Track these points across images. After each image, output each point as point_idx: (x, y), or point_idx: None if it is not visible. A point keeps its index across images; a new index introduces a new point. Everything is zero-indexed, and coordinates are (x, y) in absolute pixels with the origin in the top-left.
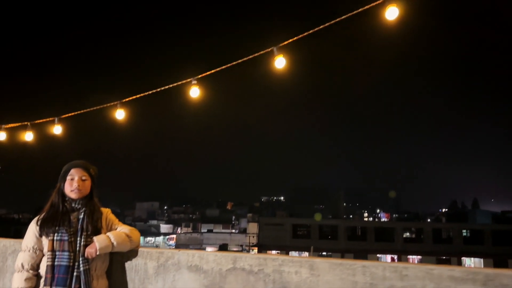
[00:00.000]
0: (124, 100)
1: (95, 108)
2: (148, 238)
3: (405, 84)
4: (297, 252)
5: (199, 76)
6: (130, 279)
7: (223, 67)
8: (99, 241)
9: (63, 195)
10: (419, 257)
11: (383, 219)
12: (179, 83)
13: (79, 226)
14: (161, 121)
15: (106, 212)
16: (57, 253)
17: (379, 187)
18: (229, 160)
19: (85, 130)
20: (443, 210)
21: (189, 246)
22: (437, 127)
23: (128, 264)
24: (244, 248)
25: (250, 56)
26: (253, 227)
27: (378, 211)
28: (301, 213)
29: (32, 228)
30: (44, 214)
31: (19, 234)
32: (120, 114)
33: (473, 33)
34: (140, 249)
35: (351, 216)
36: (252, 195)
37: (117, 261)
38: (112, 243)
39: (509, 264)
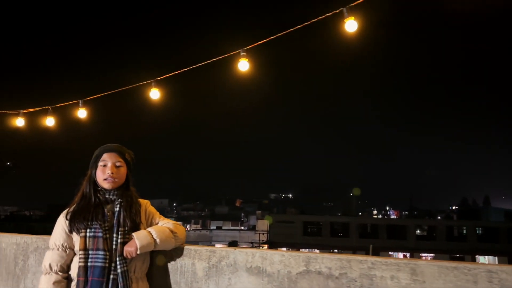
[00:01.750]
0: (159, 78)
1: (126, 87)
2: None
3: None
4: (307, 249)
5: (246, 47)
6: (174, 282)
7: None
8: (139, 239)
9: (95, 184)
10: (432, 255)
11: (392, 217)
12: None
13: (114, 221)
14: (173, 118)
15: (145, 204)
16: (90, 252)
17: (388, 184)
18: (238, 157)
19: (111, 114)
20: (454, 207)
21: (198, 243)
22: (447, 126)
23: (172, 265)
24: (254, 246)
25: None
26: (262, 224)
27: (387, 208)
28: (310, 210)
29: (61, 223)
30: (74, 206)
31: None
32: (154, 94)
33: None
34: (186, 247)
35: (360, 213)
36: (260, 193)
37: (159, 261)
38: (155, 240)
39: None
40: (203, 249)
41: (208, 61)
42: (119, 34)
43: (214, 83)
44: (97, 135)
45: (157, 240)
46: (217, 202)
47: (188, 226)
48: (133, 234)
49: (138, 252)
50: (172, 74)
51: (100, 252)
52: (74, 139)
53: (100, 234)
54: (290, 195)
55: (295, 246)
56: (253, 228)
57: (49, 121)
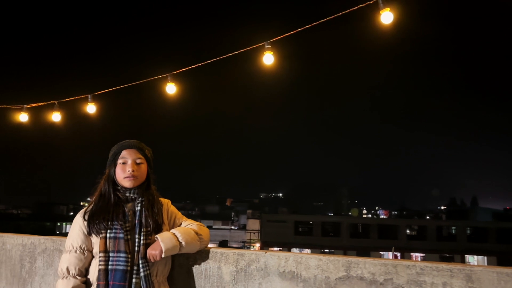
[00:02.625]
0: (174, 72)
1: (139, 82)
2: None
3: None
4: (297, 249)
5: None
6: (199, 287)
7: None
8: (164, 241)
9: (114, 182)
10: (423, 254)
11: (381, 216)
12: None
13: (136, 221)
14: (157, 116)
15: (167, 203)
16: (111, 254)
17: (377, 184)
18: (228, 157)
19: (121, 110)
20: (442, 207)
21: None
22: (436, 128)
23: (196, 269)
24: (245, 245)
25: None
26: (253, 224)
27: (377, 208)
28: (301, 209)
29: (79, 224)
30: (92, 206)
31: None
32: (171, 88)
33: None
34: (212, 250)
35: (349, 213)
36: (250, 192)
37: (180, 264)
38: (180, 243)
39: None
40: (230, 252)
41: (218, 58)
42: (133, 28)
43: (223, 80)
44: (103, 132)
45: (183, 243)
46: (207, 201)
47: None
48: (157, 236)
49: (163, 256)
50: (189, 68)
51: (122, 255)
52: (77, 136)
53: (121, 235)
54: (281, 195)
55: (286, 245)
56: (243, 228)
57: (55, 117)
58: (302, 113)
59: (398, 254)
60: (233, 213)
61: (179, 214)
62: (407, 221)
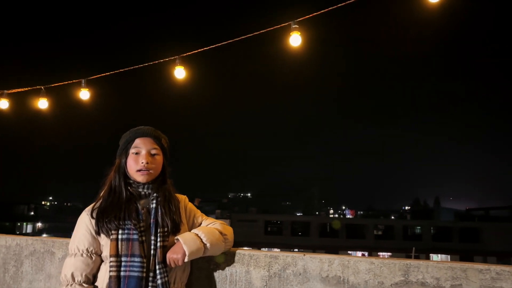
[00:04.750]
0: (182, 55)
1: (144, 64)
2: None
3: (371, 85)
4: (267, 248)
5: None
6: None
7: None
8: (187, 243)
9: (125, 175)
10: (389, 253)
11: (348, 216)
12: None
13: (151, 220)
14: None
15: (184, 199)
16: (123, 258)
17: (343, 184)
18: (194, 156)
19: (118, 97)
20: (407, 207)
21: None
22: (398, 128)
23: (219, 273)
24: None
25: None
26: None
27: (343, 208)
28: (270, 209)
29: (85, 223)
30: (101, 202)
31: None
32: (180, 73)
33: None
34: (238, 252)
35: (317, 213)
36: (218, 192)
37: (200, 268)
38: (204, 245)
39: (474, 260)
40: (261, 254)
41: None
42: (137, 2)
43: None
44: (95, 122)
45: (207, 245)
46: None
47: None
48: (179, 237)
49: (186, 260)
50: (200, 50)
51: (136, 259)
52: (62, 127)
53: (135, 237)
54: (249, 195)
55: (256, 245)
56: None
57: (42, 104)
58: (273, 114)
59: (366, 254)
60: None
61: (198, 212)
62: (375, 221)
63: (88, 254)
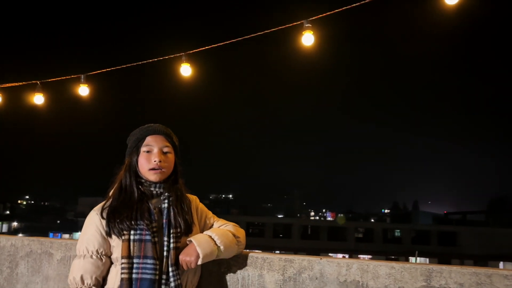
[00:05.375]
0: (189, 52)
1: (147, 61)
2: None
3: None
4: (248, 250)
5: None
6: None
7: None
8: (201, 245)
9: (136, 174)
10: (370, 256)
11: (328, 218)
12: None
13: (164, 220)
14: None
15: (195, 200)
16: (135, 260)
17: (325, 186)
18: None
19: (116, 94)
20: (386, 210)
21: None
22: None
23: (230, 277)
24: None
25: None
26: None
27: (324, 210)
28: (251, 211)
29: (95, 223)
30: (111, 201)
31: None
32: (186, 70)
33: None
34: (251, 255)
35: (298, 215)
36: (200, 193)
37: (210, 272)
38: (218, 247)
39: (452, 264)
40: (275, 257)
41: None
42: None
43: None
44: (92, 120)
45: (221, 247)
46: None
47: None
48: (192, 238)
49: (199, 263)
50: (207, 47)
51: (149, 261)
52: (56, 123)
53: (148, 237)
54: (231, 196)
55: None
56: None
57: (38, 99)
58: (254, 115)
59: (347, 256)
60: None
61: (210, 213)
62: (356, 224)
63: (98, 256)
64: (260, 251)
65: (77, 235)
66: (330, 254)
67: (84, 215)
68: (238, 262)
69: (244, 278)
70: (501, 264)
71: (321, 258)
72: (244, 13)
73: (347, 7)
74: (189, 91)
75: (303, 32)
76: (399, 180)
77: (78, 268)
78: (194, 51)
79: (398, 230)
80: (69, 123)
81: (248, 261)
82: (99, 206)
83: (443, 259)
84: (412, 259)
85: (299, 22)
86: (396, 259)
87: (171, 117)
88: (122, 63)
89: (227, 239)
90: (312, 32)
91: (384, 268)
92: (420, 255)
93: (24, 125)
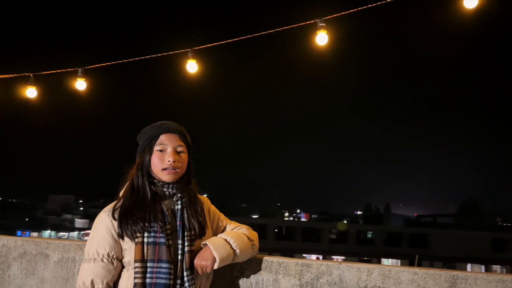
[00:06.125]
0: (194, 48)
1: (150, 56)
2: (61, 233)
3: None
4: None
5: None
6: None
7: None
8: (217, 249)
9: (148, 174)
10: (343, 257)
11: (302, 219)
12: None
13: (177, 222)
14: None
15: (207, 201)
16: (149, 264)
17: (299, 187)
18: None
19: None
20: (359, 212)
21: None
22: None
23: (243, 282)
24: None
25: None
26: None
27: (298, 211)
28: (225, 211)
29: (106, 224)
30: (122, 202)
31: None
32: (192, 67)
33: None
34: (266, 259)
35: (276, 216)
36: None
37: (222, 275)
38: (234, 251)
39: (422, 265)
40: (291, 261)
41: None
42: None
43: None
44: (90, 116)
45: (237, 251)
46: None
47: None
48: (207, 242)
49: (216, 267)
50: (215, 44)
51: (164, 265)
52: (49, 119)
53: (162, 240)
54: (205, 196)
55: None
56: None
57: (30, 92)
58: (230, 115)
59: (321, 257)
60: None
61: (222, 215)
62: (330, 225)
63: (109, 259)
64: (274, 256)
65: (46, 233)
66: (304, 255)
67: (54, 213)
68: (251, 266)
69: (258, 283)
70: (468, 266)
71: (340, 263)
72: (256, 10)
73: (362, 7)
74: (194, 89)
75: (317, 32)
76: (372, 181)
77: (88, 272)
78: (201, 47)
79: (371, 232)
80: (56, 119)
81: (263, 265)
82: (110, 206)
83: (414, 261)
84: (384, 260)
85: (312, 21)
86: (369, 261)
87: (173, 114)
88: (124, 58)
89: (242, 243)
90: (326, 32)
91: (406, 274)
92: (392, 257)
93: (10, 118)
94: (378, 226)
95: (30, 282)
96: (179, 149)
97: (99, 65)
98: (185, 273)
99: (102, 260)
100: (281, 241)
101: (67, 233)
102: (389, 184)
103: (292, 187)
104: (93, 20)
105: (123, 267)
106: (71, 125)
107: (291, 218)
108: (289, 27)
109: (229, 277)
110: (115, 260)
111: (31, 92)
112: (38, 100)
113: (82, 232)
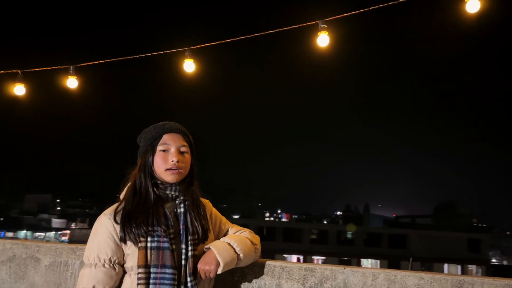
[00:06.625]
0: (192, 48)
1: (145, 55)
2: (38, 233)
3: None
4: None
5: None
6: None
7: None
8: (221, 253)
9: (151, 175)
10: (323, 257)
11: (283, 219)
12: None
13: (181, 226)
14: (58, 105)
15: (208, 204)
16: (153, 269)
17: (280, 187)
18: (126, 155)
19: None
20: (338, 213)
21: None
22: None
23: (245, 286)
24: None
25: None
26: None
27: (279, 211)
28: None
29: (107, 228)
30: (124, 205)
31: None
32: (189, 66)
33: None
34: (268, 263)
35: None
36: None
37: (223, 280)
38: (238, 255)
39: (401, 265)
40: (294, 266)
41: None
42: None
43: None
44: (80, 116)
45: (241, 255)
46: (107, 199)
47: (73, 224)
48: (210, 246)
49: (219, 272)
50: (213, 43)
51: (168, 270)
52: (33, 118)
53: (166, 245)
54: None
55: None
56: None
57: (18, 90)
58: (211, 114)
59: (301, 257)
60: None
61: (224, 218)
62: (311, 225)
63: (111, 265)
64: (277, 260)
65: (22, 233)
66: (285, 255)
67: (31, 213)
68: (253, 270)
69: (260, 287)
70: (445, 266)
71: (344, 268)
72: (257, 11)
73: (364, 9)
74: (191, 88)
75: (318, 33)
76: (352, 182)
77: (89, 278)
78: (198, 46)
79: (351, 232)
80: (38, 117)
81: (265, 270)
82: (111, 209)
83: (393, 261)
84: (363, 261)
85: (314, 22)
86: (348, 261)
87: (168, 114)
88: (119, 57)
89: (246, 247)
90: (327, 33)
91: (412, 278)
92: (372, 257)
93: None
94: (358, 226)
95: (20, 287)
96: (182, 149)
97: (92, 63)
98: (188, 279)
99: (103, 265)
100: (262, 241)
101: (44, 233)
102: (369, 185)
103: (273, 187)
104: (88, 17)
105: (124, 272)
106: (54, 124)
107: (272, 219)
108: (290, 27)
109: (230, 282)
110: (117, 265)
111: (19, 89)
112: (25, 98)
113: (59, 232)
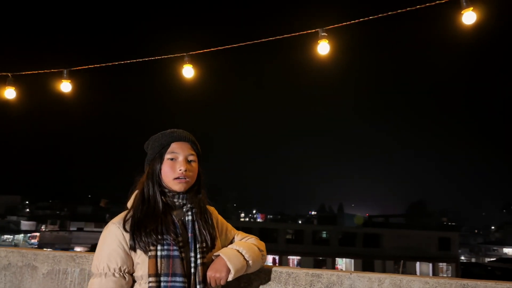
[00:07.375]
0: (190, 53)
1: (141, 59)
2: (6, 236)
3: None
4: None
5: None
6: None
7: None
8: (232, 260)
9: (159, 183)
10: (299, 257)
11: (258, 220)
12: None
13: (189, 234)
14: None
15: (214, 212)
16: (163, 278)
17: (255, 188)
18: (100, 154)
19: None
20: (313, 212)
21: (55, 246)
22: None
23: None
24: None
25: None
26: None
27: (254, 211)
28: None
29: (117, 237)
30: (133, 212)
31: None
32: (188, 71)
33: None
34: (275, 269)
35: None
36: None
37: (228, 287)
38: (247, 262)
39: (375, 264)
40: (301, 272)
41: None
42: None
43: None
44: (75, 122)
45: (250, 262)
46: (79, 201)
47: (43, 227)
48: (220, 253)
49: (230, 279)
50: (213, 49)
51: (178, 279)
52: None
53: (176, 253)
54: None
55: None
56: None
57: (9, 93)
58: (192, 114)
59: (277, 257)
60: (107, 215)
61: (230, 225)
62: (286, 226)
63: (121, 274)
64: (282, 266)
65: None
66: None
67: None
68: (259, 276)
69: None
70: (417, 264)
71: (351, 273)
72: (258, 19)
73: (364, 18)
74: (190, 94)
75: (318, 41)
76: (325, 182)
77: None
78: (197, 52)
79: (325, 232)
80: (52, 123)
81: (272, 276)
82: (119, 218)
83: (367, 260)
84: (338, 260)
85: (314, 30)
86: (324, 261)
87: (166, 120)
88: (116, 61)
89: (254, 253)
90: (327, 41)
91: (417, 283)
92: (346, 257)
93: None
94: (333, 226)
95: None
96: (190, 158)
97: (86, 66)
98: (198, 287)
99: (113, 274)
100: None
101: (12, 236)
102: (342, 184)
103: (248, 188)
104: (85, 22)
105: (134, 281)
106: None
107: (247, 219)
108: (290, 35)
109: None
110: (126, 274)
111: (9, 93)
112: (14, 102)
113: (29, 235)
